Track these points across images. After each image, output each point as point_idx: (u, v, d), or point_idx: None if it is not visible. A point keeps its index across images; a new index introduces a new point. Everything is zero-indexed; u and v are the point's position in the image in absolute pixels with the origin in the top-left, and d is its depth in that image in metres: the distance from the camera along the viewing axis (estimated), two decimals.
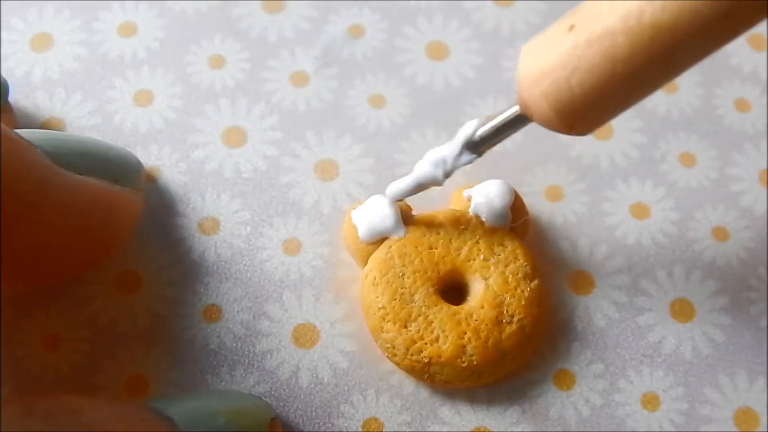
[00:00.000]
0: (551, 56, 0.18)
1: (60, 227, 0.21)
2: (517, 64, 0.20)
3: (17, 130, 0.20)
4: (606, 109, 0.19)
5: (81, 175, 0.21)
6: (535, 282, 0.23)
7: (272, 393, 0.23)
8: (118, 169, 0.23)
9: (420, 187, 0.23)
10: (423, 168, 0.22)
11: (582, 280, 0.25)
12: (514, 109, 0.20)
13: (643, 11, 0.17)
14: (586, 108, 0.19)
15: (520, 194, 0.25)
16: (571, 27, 0.18)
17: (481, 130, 0.21)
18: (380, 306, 0.23)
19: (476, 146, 0.21)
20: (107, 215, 0.22)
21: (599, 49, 0.18)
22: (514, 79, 0.20)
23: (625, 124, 0.27)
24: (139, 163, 0.24)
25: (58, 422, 0.16)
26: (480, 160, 0.26)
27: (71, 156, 0.21)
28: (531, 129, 0.27)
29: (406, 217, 0.24)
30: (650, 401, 0.24)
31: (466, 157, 0.21)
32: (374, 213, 0.23)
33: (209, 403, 0.21)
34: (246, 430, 0.20)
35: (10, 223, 0.19)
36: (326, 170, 0.26)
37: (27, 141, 0.20)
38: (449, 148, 0.22)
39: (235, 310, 0.24)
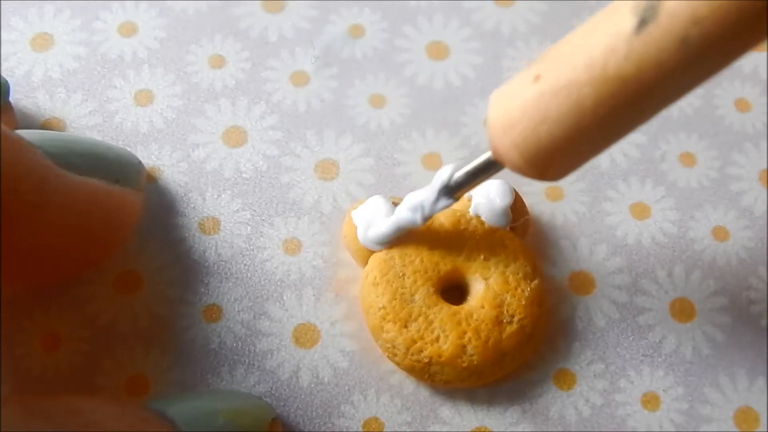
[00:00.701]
0: (519, 106, 0.19)
1: (60, 227, 0.21)
2: (487, 112, 0.20)
3: (17, 131, 0.20)
4: (575, 156, 0.19)
5: (81, 175, 0.21)
6: (536, 282, 0.23)
7: (273, 393, 0.23)
8: (118, 170, 0.23)
9: (400, 231, 0.23)
10: (402, 213, 0.23)
11: (582, 279, 0.25)
12: (487, 156, 0.21)
13: (606, 61, 0.17)
14: (556, 156, 0.19)
15: (521, 194, 0.25)
16: (537, 77, 0.18)
17: (456, 176, 0.22)
18: (380, 306, 0.23)
19: (451, 192, 0.22)
20: (107, 215, 0.22)
21: (565, 99, 0.18)
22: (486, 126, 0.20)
23: None
24: (139, 163, 0.24)
25: (57, 422, 0.16)
26: None
27: (71, 156, 0.21)
28: None
29: None
30: (650, 401, 0.24)
31: (443, 202, 0.22)
32: (373, 220, 0.23)
33: (209, 403, 0.21)
34: (246, 430, 0.20)
35: (10, 223, 0.19)
36: (326, 170, 0.26)
37: (27, 141, 0.20)
38: (426, 194, 0.22)
39: (236, 309, 0.24)
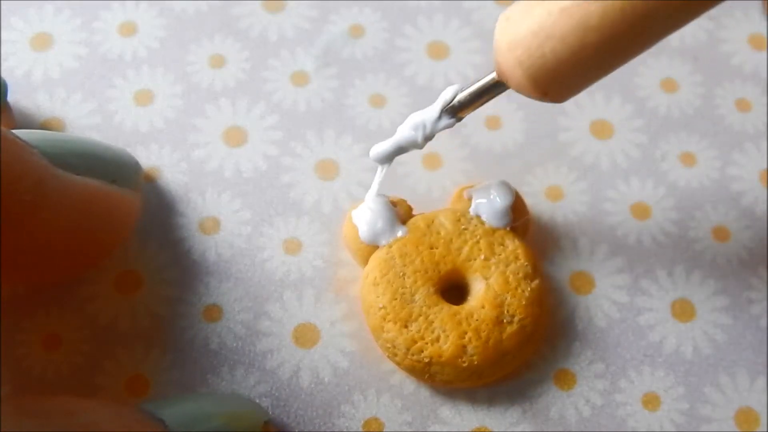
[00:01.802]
0: (525, 24, 0.19)
1: (57, 227, 0.21)
2: (495, 32, 0.20)
3: (15, 131, 0.20)
4: (579, 76, 0.19)
5: (78, 175, 0.21)
6: (536, 282, 0.23)
7: (273, 393, 0.23)
8: (115, 170, 0.23)
9: (401, 150, 0.23)
10: (403, 131, 0.23)
11: (583, 279, 0.25)
12: (491, 76, 0.21)
13: None
14: (559, 75, 0.19)
15: (521, 194, 0.25)
16: None
17: (460, 96, 0.22)
18: (381, 306, 0.23)
19: (455, 111, 0.22)
20: (105, 215, 0.22)
21: (571, 17, 0.18)
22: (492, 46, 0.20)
23: (625, 123, 0.27)
24: (137, 163, 0.24)
25: (52, 423, 0.16)
26: (481, 159, 0.26)
27: (68, 156, 0.21)
28: (532, 129, 0.27)
29: (406, 217, 0.24)
30: (651, 401, 0.23)
31: (445, 121, 0.22)
32: (370, 216, 0.23)
33: (203, 405, 0.21)
34: None
35: (6, 223, 0.19)
36: (327, 170, 0.26)
37: (24, 141, 0.20)
38: (429, 113, 0.22)
39: (236, 309, 0.24)
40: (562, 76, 0.19)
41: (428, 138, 0.22)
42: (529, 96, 0.20)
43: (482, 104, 0.22)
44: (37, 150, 0.20)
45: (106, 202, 0.22)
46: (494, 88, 0.21)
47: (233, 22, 0.28)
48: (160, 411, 0.19)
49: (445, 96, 0.22)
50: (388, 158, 0.23)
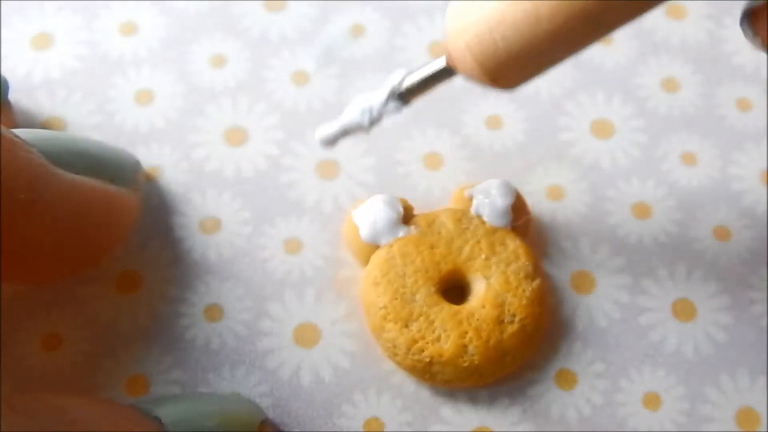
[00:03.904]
0: (477, 9, 0.19)
1: (54, 226, 0.21)
2: (446, 15, 0.20)
3: (13, 129, 0.20)
4: (530, 64, 0.19)
5: (77, 174, 0.21)
6: (537, 281, 0.23)
7: (273, 392, 0.23)
8: (114, 169, 0.23)
9: (347, 132, 0.22)
10: (350, 114, 0.22)
11: (583, 279, 0.25)
12: (441, 60, 0.21)
13: None
14: (510, 62, 0.19)
15: (522, 194, 0.25)
16: None
17: (407, 80, 0.21)
18: (381, 305, 0.23)
19: (402, 96, 0.21)
20: (103, 215, 0.22)
21: (523, 3, 0.18)
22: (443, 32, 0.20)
23: (626, 123, 0.27)
24: (137, 163, 0.24)
25: (41, 420, 0.16)
26: (481, 159, 0.26)
27: (67, 155, 0.21)
28: (532, 128, 0.27)
29: (407, 217, 0.24)
30: (652, 401, 0.23)
31: (392, 105, 0.22)
32: (374, 215, 0.23)
33: (198, 405, 0.21)
34: None
35: (3, 223, 0.19)
36: (327, 170, 0.26)
37: (22, 140, 0.20)
38: (376, 96, 0.22)
39: (237, 309, 0.24)
40: (512, 63, 0.19)
41: (375, 121, 0.22)
42: (478, 82, 0.20)
43: (430, 89, 0.21)
44: (35, 149, 0.20)
45: (104, 201, 0.22)
46: (443, 74, 0.21)
47: (234, 21, 0.28)
48: (155, 409, 0.19)
49: (392, 81, 0.21)
50: (334, 140, 0.23)
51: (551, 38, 0.18)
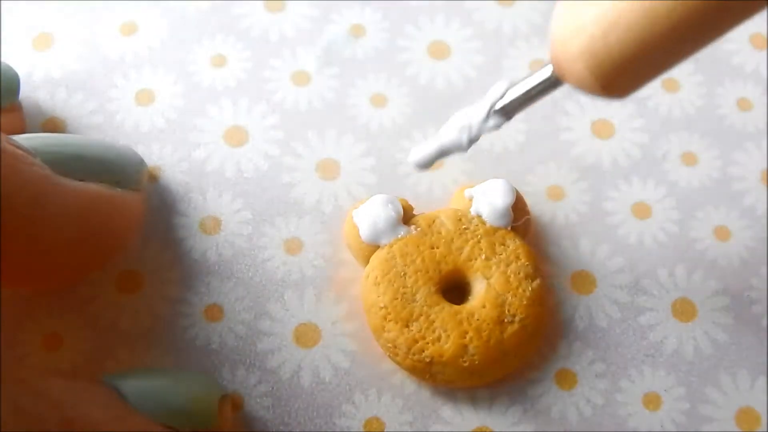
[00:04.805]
0: (587, 12, 0.17)
1: (58, 237, 0.21)
2: (552, 21, 0.19)
3: (15, 136, 0.20)
4: (645, 68, 0.18)
5: (80, 180, 0.21)
6: (537, 281, 0.23)
7: (274, 392, 0.23)
8: (119, 171, 0.23)
9: (444, 153, 0.22)
10: (448, 133, 0.21)
11: (583, 279, 0.25)
12: (546, 70, 0.19)
13: None
14: (624, 67, 0.17)
15: (522, 194, 0.25)
16: None
17: (510, 93, 0.20)
18: (382, 305, 0.23)
19: (504, 110, 0.20)
20: (108, 220, 0.22)
21: (638, 3, 0.17)
22: (548, 39, 0.19)
23: (626, 123, 0.27)
24: (141, 161, 0.24)
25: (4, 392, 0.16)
26: (481, 159, 0.26)
27: (70, 161, 0.21)
28: (533, 128, 0.27)
29: (407, 217, 0.24)
30: (652, 401, 0.23)
31: (494, 121, 0.20)
32: (374, 215, 0.23)
33: (160, 379, 0.21)
34: (194, 406, 0.20)
35: (5, 236, 0.19)
36: (328, 170, 0.26)
37: (24, 149, 0.20)
38: (475, 113, 0.21)
39: (237, 309, 0.24)
40: (627, 69, 0.17)
41: (474, 140, 0.21)
42: (588, 92, 0.18)
43: (534, 102, 0.20)
44: (37, 155, 0.20)
45: (108, 206, 0.22)
46: (549, 84, 0.19)
47: (234, 21, 0.28)
48: (119, 383, 0.20)
49: (494, 94, 0.20)
50: (430, 162, 0.22)
51: (668, 40, 0.17)
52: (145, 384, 0.20)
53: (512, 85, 0.20)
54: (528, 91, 0.20)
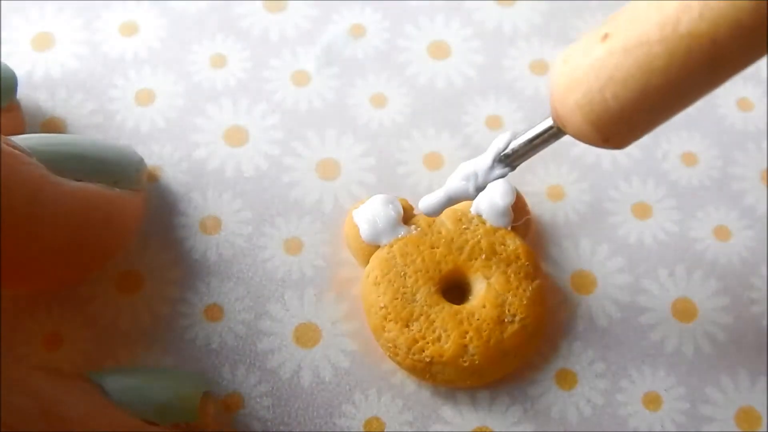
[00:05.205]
0: (584, 66, 0.18)
1: (57, 237, 0.20)
2: (551, 73, 0.19)
3: (13, 137, 0.20)
4: (643, 121, 0.18)
5: (79, 180, 0.21)
6: (537, 281, 0.23)
7: (274, 392, 0.23)
8: (118, 171, 0.23)
9: (452, 201, 0.22)
10: (454, 182, 0.22)
11: (584, 279, 0.25)
12: (547, 121, 0.20)
13: (679, 19, 0.16)
14: (622, 120, 0.18)
15: (522, 193, 0.25)
16: (605, 36, 0.18)
17: (513, 144, 0.21)
18: (382, 305, 0.23)
19: (508, 160, 0.21)
20: (107, 220, 0.22)
21: (634, 58, 0.17)
22: (548, 90, 0.19)
23: None
24: (140, 161, 0.24)
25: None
26: None
27: (69, 161, 0.21)
28: None
29: (407, 216, 0.24)
30: (652, 401, 0.23)
31: (499, 170, 0.21)
32: (374, 214, 0.23)
33: (143, 376, 0.21)
34: (175, 402, 0.20)
35: (5, 236, 0.19)
36: (328, 169, 0.26)
37: (22, 149, 0.20)
38: (481, 162, 0.21)
39: (237, 309, 0.24)
40: (626, 121, 0.18)
41: (480, 188, 0.22)
42: (588, 142, 0.19)
43: (538, 152, 0.21)
44: (35, 158, 0.20)
45: (107, 206, 0.22)
46: (550, 135, 0.20)
47: (234, 21, 0.28)
48: (102, 380, 0.20)
49: (497, 144, 0.21)
50: (439, 210, 0.22)
51: (664, 93, 0.17)
52: (127, 380, 0.20)
53: (516, 136, 0.21)
54: (531, 141, 0.21)
